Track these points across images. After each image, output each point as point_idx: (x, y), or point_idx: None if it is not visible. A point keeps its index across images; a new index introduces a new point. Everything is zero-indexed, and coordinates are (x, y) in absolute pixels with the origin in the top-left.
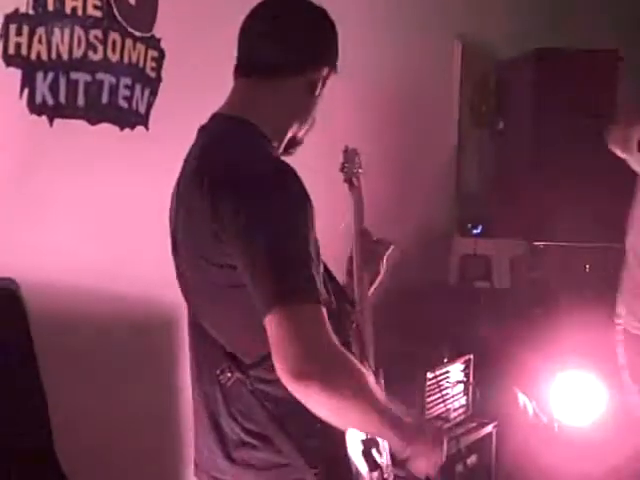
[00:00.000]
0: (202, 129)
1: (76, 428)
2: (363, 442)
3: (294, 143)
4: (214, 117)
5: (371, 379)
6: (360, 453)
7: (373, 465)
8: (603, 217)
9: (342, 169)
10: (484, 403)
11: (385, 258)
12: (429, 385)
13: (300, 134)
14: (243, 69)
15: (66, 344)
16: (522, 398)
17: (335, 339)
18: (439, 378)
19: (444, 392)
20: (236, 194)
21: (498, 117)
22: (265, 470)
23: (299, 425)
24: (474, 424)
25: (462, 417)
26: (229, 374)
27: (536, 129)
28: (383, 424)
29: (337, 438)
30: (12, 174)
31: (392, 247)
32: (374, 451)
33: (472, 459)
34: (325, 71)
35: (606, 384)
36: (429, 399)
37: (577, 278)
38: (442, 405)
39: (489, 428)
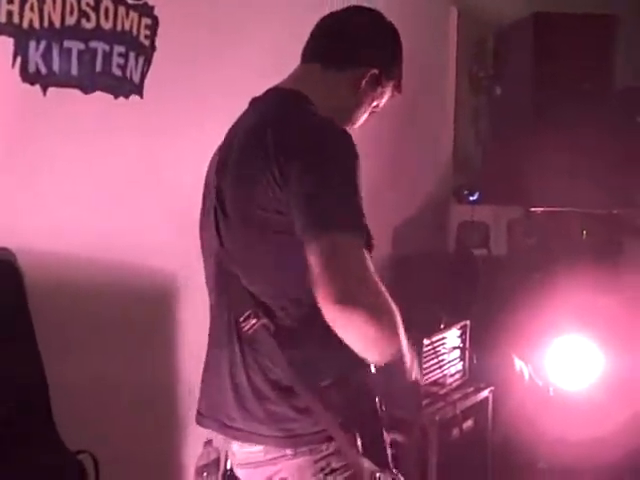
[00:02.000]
0: (255, 100)
1: (73, 395)
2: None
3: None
4: (270, 90)
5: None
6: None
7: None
8: (600, 183)
9: None
10: (481, 368)
11: None
12: (426, 351)
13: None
14: (304, 55)
15: (63, 313)
16: (518, 363)
17: (375, 275)
18: (436, 344)
19: (440, 358)
20: (301, 148)
21: (495, 83)
22: (278, 423)
23: (320, 373)
24: (470, 389)
25: (459, 382)
26: (254, 320)
27: (534, 95)
28: (404, 354)
29: (361, 387)
30: (6, 143)
31: None
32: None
33: (468, 424)
34: (374, 72)
35: (602, 349)
36: (426, 365)
37: (574, 244)
38: (439, 371)
39: (485, 393)
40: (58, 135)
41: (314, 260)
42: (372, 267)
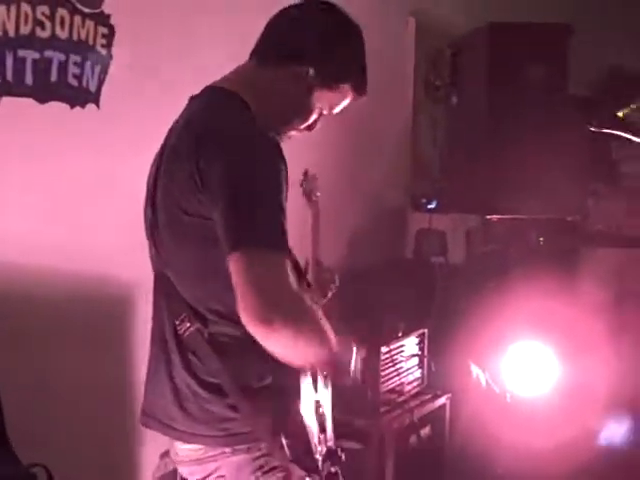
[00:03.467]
0: (193, 98)
1: (26, 407)
2: (316, 402)
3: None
4: (206, 88)
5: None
6: (313, 412)
7: (322, 426)
8: (556, 190)
9: (301, 185)
10: (438, 375)
11: (332, 286)
12: (384, 359)
13: (286, 131)
14: (251, 53)
15: (20, 323)
16: (475, 370)
17: (296, 287)
18: (393, 352)
19: (398, 366)
20: (221, 150)
21: (452, 92)
22: (216, 423)
23: (252, 377)
24: (428, 396)
25: (416, 390)
26: (188, 324)
27: (489, 103)
28: (332, 353)
29: (291, 392)
30: None
31: (337, 277)
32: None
33: (426, 430)
34: (307, 71)
35: (558, 355)
36: (383, 373)
37: (531, 251)
38: (397, 378)
39: (443, 400)
40: (13, 146)
41: (233, 271)
42: (292, 277)
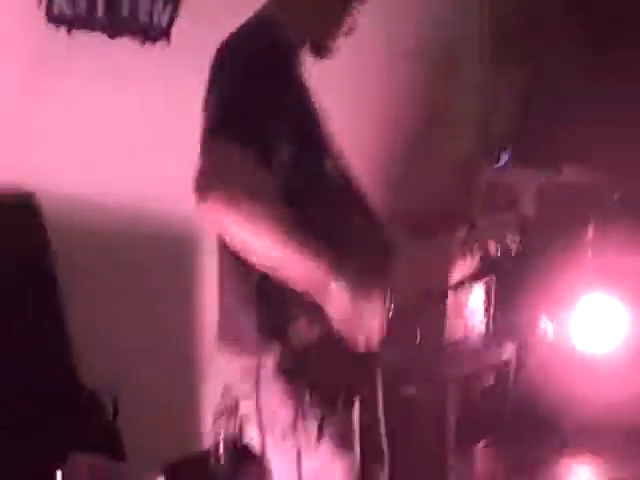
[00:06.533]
0: None
1: (93, 334)
2: None
3: (320, 48)
4: None
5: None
6: None
7: None
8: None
9: None
10: (505, 325)
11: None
12: (449, 306)
13: (326, 40)
14: None
15: (84, 259)
16: (544, 321)
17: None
18: (459, 300)
19: (464, 313)
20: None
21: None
22: None
23: None
24: (493, 346)
25: (482, 339)
26: None
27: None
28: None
29: None
30: (30, 85)
31: None
32: None
33: (490, 381)
34: None
35: (628, 310)
36: (449, 320)
37: (604, 205)
38: (462, 327)
39: (508, 350)
40: (84, 79)
41: None
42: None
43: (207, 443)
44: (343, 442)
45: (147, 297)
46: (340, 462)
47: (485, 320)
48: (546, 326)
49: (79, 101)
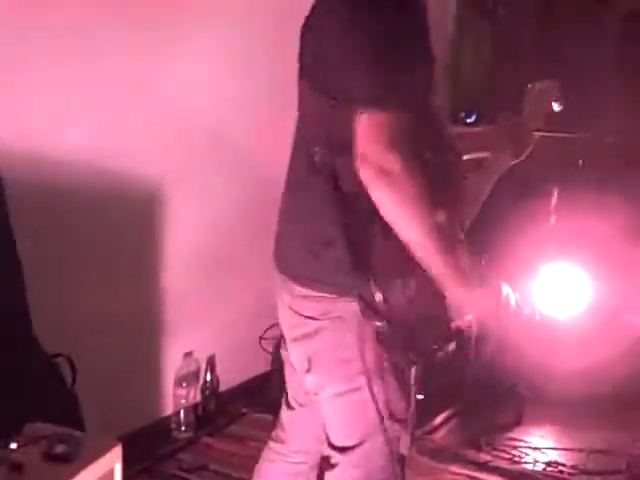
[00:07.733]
0: None
1: (51, 296)
2: None
3: None
4: None
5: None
6: None
7: None
8: (603, 109)
9: None
10: None
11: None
12: None
13: None
14: None
15: (50, 218)
16: (505, 289)
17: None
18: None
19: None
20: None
21: (498, 5)
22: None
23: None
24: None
25: None
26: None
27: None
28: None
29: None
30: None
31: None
32: None
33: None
34: None
35: (591, 277)
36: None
37: (570, 171)
38: None
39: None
40: (55, 32)
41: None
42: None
43: (167, 410)
44: None
45: (112, 259)
46: None
47: None
48: (508, 293)
49: (48, 55)
